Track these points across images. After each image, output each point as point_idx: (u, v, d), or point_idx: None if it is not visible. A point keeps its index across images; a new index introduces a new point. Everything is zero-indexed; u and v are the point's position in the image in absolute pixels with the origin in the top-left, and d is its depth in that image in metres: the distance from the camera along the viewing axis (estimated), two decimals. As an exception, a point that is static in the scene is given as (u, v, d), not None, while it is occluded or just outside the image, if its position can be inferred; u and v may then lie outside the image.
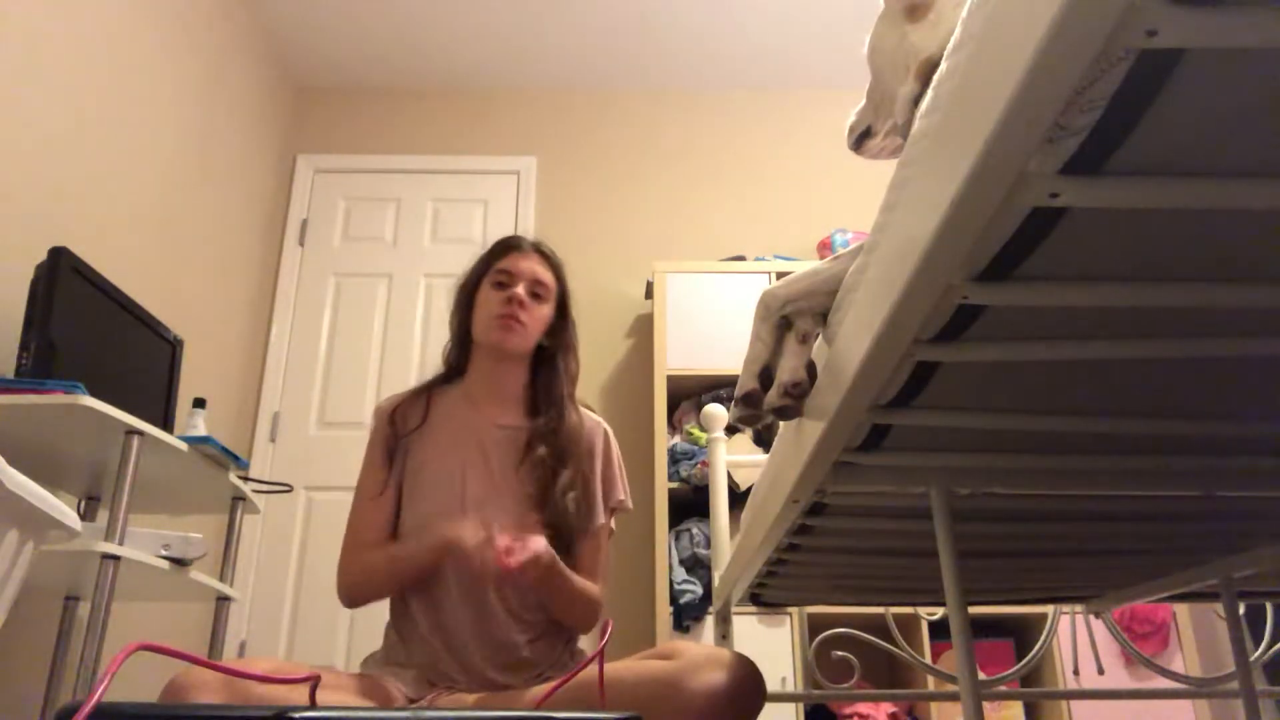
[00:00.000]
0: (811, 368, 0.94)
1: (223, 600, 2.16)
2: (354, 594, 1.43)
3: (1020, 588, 1.77)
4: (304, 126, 3.76)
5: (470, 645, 1.36)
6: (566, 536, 1.43)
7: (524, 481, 1.46)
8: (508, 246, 1.57)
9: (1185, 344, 0.69)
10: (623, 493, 1.54)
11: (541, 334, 1.54)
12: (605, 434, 1.57)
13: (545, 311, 1.54)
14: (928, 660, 2.45)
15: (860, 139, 1.15)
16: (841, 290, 0.89)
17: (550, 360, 1.56)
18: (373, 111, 3.79)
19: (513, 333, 1.49)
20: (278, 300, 3.48)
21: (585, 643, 1.49)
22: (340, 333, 3.47)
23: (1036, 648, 2.14)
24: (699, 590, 2.74)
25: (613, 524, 1.55)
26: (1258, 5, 0.39)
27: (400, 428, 1.52)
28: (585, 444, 1.53)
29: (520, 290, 1.50)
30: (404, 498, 1.48)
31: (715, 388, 3.06)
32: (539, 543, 1.30)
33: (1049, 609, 2.18)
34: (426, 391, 1.56)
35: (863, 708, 2.67)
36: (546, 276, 1.55)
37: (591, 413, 1.59)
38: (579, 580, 1.40)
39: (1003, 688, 2.37)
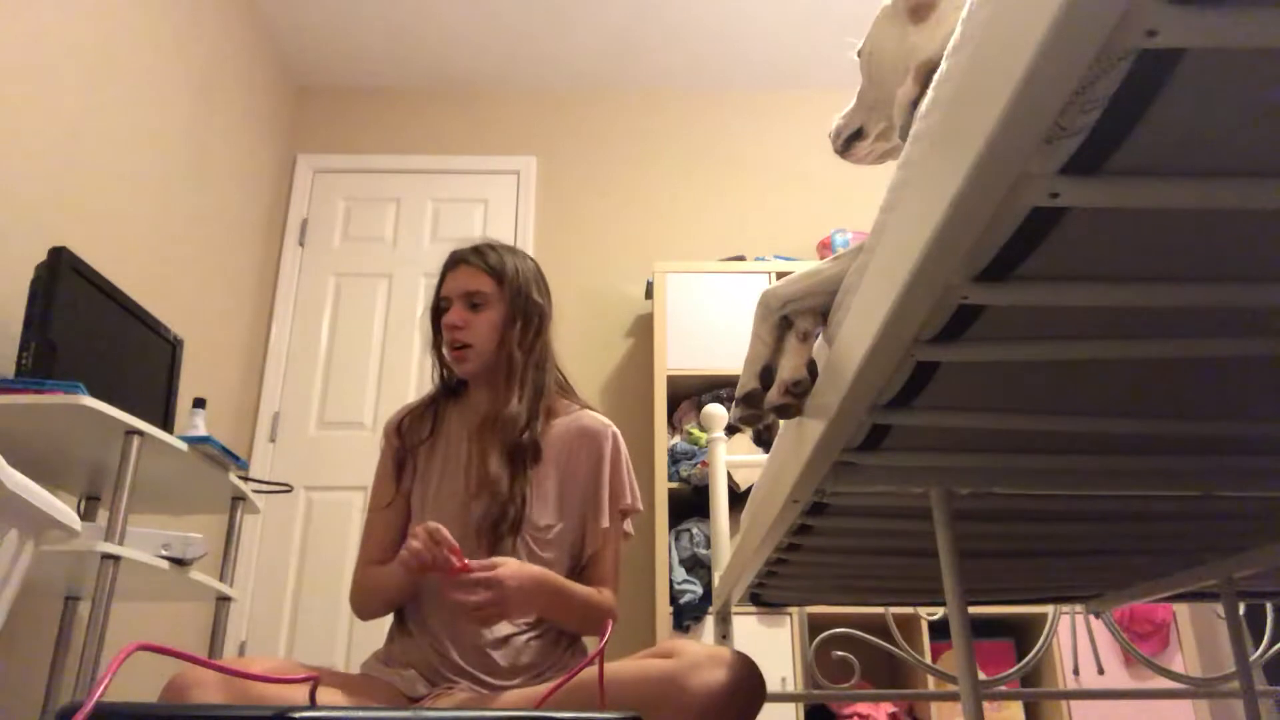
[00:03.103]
0: (812, 366, 0.94)
1: (223, 600, 2.16)
2: (360, 612, 1.47)
3: (1020, 588, 1.77)
4: (304, 126, 3.76)
5: (453, 650, 1.35)
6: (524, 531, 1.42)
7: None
8: (445, 267, 1.55)
9: (1185, 344, 0.69)
10: (631, 496, 1.52)
11: (498, 339, 1.49)
12: (613, 436, 1.54)
13: (490, 316, 1.49)
14: (928, 660, 2.45)
15: (849, 141, 1.15)
16: (841, 290, 0.89)
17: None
18: (373, 111, 3.79)
19: (464, 361, 1.49)
20: (278, 300, 3.48)
21: (586, 642, 1.49)
22: (340, 333, 3.47)
23: (1036, 648, 2.14)
24: (699, 590, 2.74)
25: (628, 527, 1.54)
26: (1258, 5, 0.39)
27: (407, 441, 1.52)
28: (592, 446, 1.52)
29: (452, 315, 1.48)
30: (413, 511, 1.49)
31: (715, 388, 3.06)
32: (506, 568, 1.25)
33: (1049, 609, 2.18)
34: (434, 404, 1.56)
35: (863, 708, 2.67)
36: (478, 283, 1.50)
37: (598, 415, 1.57)
38: (578, 590, 1.39)
39: (1003, 688, 2.37)
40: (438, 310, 1.55)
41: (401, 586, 1.40)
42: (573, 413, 1.55)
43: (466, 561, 1.24)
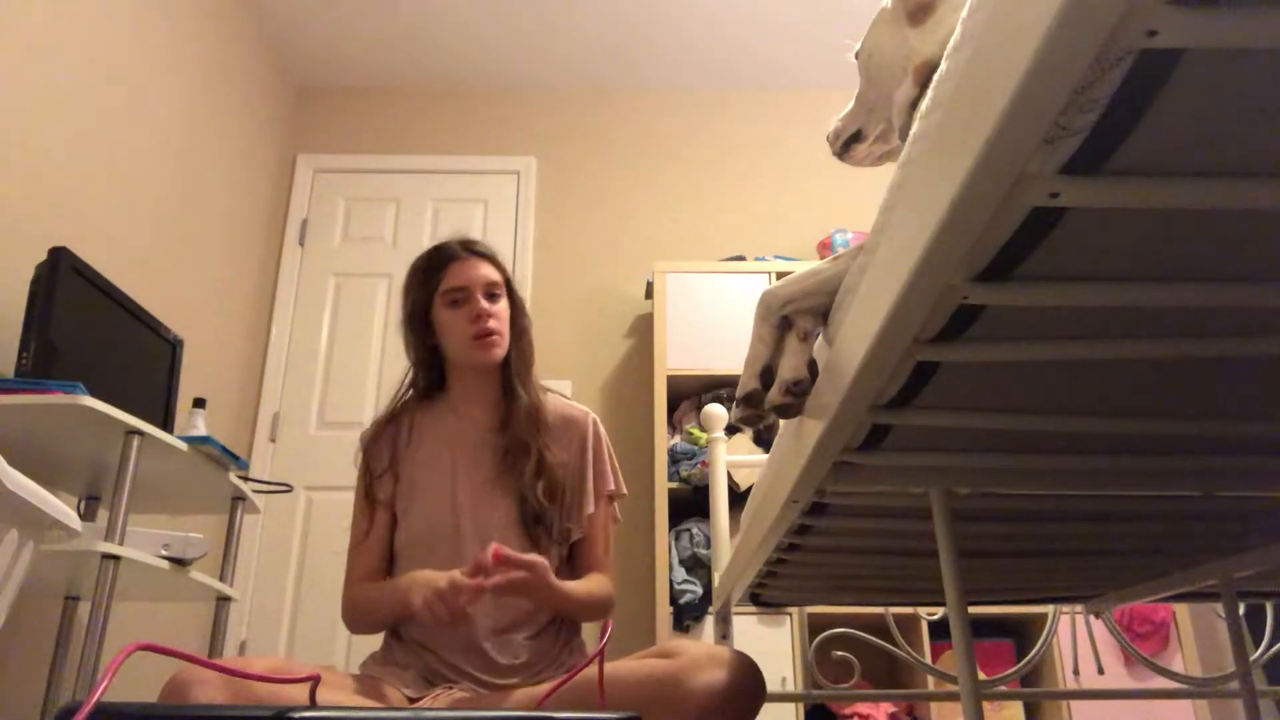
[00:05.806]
0: (813, 365, 0.94)
1: (223, 600, 2.16)
2: (351, 628, 1.47)
3: (1020, 588, 1.77)
4: (304, 126, 3.76)
5: (451, 649, 1.36)
6: (551, 526, 1.44)
7: (509, 480, 1.47)
8: (445, 260, 1.53)
9: (1185, 344, 0.69)
10: (613, 481, 1.54)
11: (508, 328, 1.54)
12: (594, 423, 1.57)
13: (504, 307, 1.54)
14: (928, 660, 2.45)
15: (848, 144, 1.15)
16: (841, 290, 0.89)
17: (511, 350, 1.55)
18: (373, 111, 3.79)
19: (495, 346, 1.50)
20: (278, 300, 3.48)
21: (586, 641, 1.49)
22: (340, 333, 3.47)
23: (1036, 648, 2.14)
24: (699, 590, 2.75)
25: (616, 512, 1.56)
26: (1258, 5, 0.39)
27: (386, 452, 1.53)
28: (575, 433, 1.54)
29: (483, 303, 1.49)
30: (399, 512, 1.49)
31: (715, 388, 3.06)
32: (533, 558, 1.26)
33: (1049, 609, 2.18)
34: (406, 410, 1.57)
35: (863, 708, 2.67)
36: (493, 274, 1.54)
37: (575, 403, 1.60)
38: (576, 588, 1.39)
39: (1003, 688, 2.37)
40: (428, 308, 1.53)
41: (401, 616, 1.38)
42: (546, 399, 1.57)
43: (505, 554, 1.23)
